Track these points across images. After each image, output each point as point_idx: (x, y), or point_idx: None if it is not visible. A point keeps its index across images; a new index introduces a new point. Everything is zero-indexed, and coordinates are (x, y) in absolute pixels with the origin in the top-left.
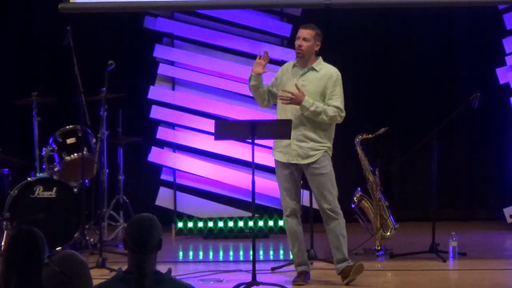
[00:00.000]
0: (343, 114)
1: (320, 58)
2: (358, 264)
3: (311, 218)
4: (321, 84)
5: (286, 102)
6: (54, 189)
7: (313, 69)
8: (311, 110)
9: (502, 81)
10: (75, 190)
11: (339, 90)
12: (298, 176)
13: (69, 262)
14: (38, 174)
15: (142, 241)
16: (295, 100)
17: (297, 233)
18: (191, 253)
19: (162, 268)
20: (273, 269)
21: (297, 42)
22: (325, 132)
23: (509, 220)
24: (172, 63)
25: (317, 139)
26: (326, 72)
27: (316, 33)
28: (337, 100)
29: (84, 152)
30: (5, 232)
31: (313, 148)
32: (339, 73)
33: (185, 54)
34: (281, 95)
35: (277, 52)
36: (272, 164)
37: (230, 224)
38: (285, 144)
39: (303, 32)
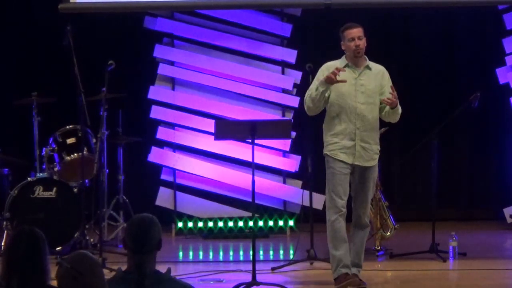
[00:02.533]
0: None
1: (366, 57)
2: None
3: (311, 218)
4: (377, 82)
5: (390, 103)
6: (54, 189)
7: (368, 67)
8: (399, 112)
9: (502, 81)
10: (75, 190)
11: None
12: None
13: (81, 261)
14: (38, 174)
15: (142, 240)
16: (396, 102)
17: (345, 235)
18: (191, 253)
19: (162, 268)
20: (273, 269)
21: (353, 44)
22: (378, 134)
23: (509, 220)
24: (172, 63)
25: (376, 141)
26: (379, 70)
27: (363, 29)
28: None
29: (84, 152)
30: (5, 232)
31: (375, 152)
32: (386, 70)
33: (185, 54)
34: (388, 98)
35: (277, 52)
36: (272, 164)
37: (230, 224)
38: (349, 144)
39: (355, 32)
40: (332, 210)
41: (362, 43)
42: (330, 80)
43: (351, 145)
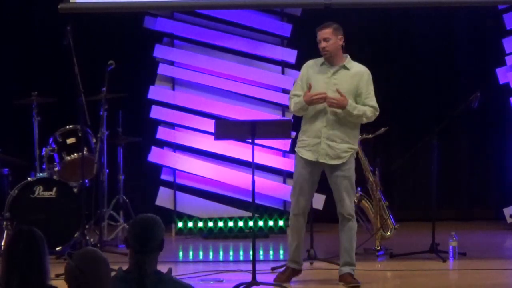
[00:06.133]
0: (378, 113)
1: (349, 56)
2: (357, 284)
3: (311, 218)
4: (354, 83)
5: (329, 103)
6: (54, 189)
7: (344, 67)
8: (354, 114)
9: (502, 81)
10: (75, 190)
11: (372, 89)
12: (318, 177)
13: (87, 258)
14: (38, 174)
15: (145, 240)
16: (339, 104)
17: (299, 232)
18: (191, 253)
19: (162, 268)
20: (273, 269)
21: (320, 46)
22: (353, 132)
23: (509, 220)
24: (172, 63)
25: (347, 140)
26: (358, 71)
27: (334, 29)
28: (373, 99)
29: (84, 152)
30: (5, 232)
31: (343, 150)
32: (369, 72)
33: (185, 54)
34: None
35: (277, 52)
36: (272, 164)
37: (230, 224)
38: (314, 142)
39: (321, 34)
40: (291, 208)
41: (328, 44)
42: (308, 103)
43: (316, 143)
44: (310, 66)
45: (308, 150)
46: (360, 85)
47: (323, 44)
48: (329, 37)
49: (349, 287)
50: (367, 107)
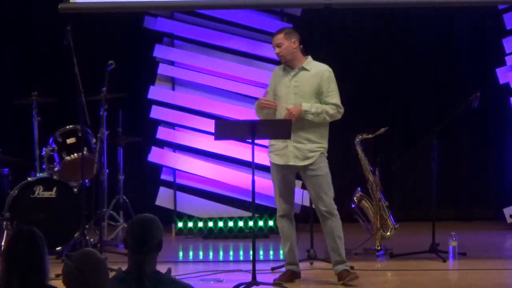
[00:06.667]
0: (342, 110)
1: (310, 57)
2: (354, 275)
3: (311, 218)
4: (314, 83)
5: (294, 118)
6: (54, 189)
7: (303, 68)
8: (312, 112)
9: (502, 81)
10: (75, 190)
11: (334, 87)
12: (293, 178)
13: (86, 259)
14: (38, 174)
15: (143, 240)
16: (296, 115)
17: (288, 234)
18: (191, 253)
19: (162, 268)
20: (273, 269)
21: (275, 52)
22: (321, 132)
23: (509, 220)
24: (172, 63)
25: (314, 140)
26: (318, 70)
27: (285, 33)
28: (334, 97)
29: (84, 152)
30: (5, 232)
31: (310, 150)
32: (331, 70)
33: (185, 54)
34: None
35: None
36: None
37: (230, 224)
38: (281, 146)
39: (274, 40)
40: (277, 210)
41: (282, 49)
42: (260, 107)
43: (284, 147)
44: (276, 72)
45: (277, 155)
46: (321, 84)
47: (276, 50)
48: (281, 42)
49: (349, 280)
50: (329, 105)
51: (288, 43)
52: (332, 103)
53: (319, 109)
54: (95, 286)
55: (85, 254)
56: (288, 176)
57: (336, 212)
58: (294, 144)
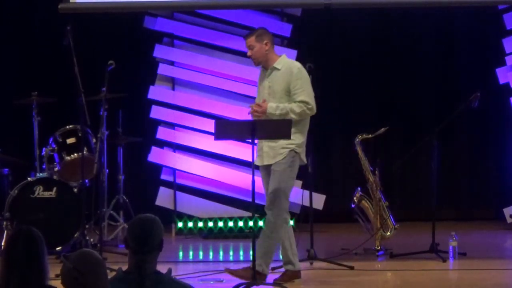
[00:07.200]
0: (311, 107)
1: (283, 56)
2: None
3: (311, 218)
4: (284, 82)
5: (255, 116)
6: (54, 189)
7: (275, 68)
8: (277, 114)
9: (502, 81)
10: (75, 190)
11: (301, 84)
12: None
13: (85, 259)
14: (38, 174)
15: (144, 240)
16: (260, 114)
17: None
18: (191, 253)
19: (162, 268)
20: (273, 269)
21: (247, 54)
22: (295, 128)
23: (509, 220)
24: (172, 63)
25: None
26: (287, 68)
27: (256, 35)
28: (301, 94)
29: (84, 152)
30: (5, 232)
31: (282, 147)
32: (300, 67)
33: (185, 54)
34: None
35: (277, 52)
36: None
37: (230, 224)
38: (259, 147)
39: (246, 43)
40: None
41: (254, 52)
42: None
43: (260, 148)
44: (259, 74)
45: (258, 156)
46: (289, 82)
47: (249, 53)
48: (252, 44)
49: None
50: (296, 103)
51: (259, 46)
52: (299, 101)
53: (284, 110)
54: (94, 286)
55: (83, 254)
56: (267, 176)
57: (280, 213)
58: (268, 143)
